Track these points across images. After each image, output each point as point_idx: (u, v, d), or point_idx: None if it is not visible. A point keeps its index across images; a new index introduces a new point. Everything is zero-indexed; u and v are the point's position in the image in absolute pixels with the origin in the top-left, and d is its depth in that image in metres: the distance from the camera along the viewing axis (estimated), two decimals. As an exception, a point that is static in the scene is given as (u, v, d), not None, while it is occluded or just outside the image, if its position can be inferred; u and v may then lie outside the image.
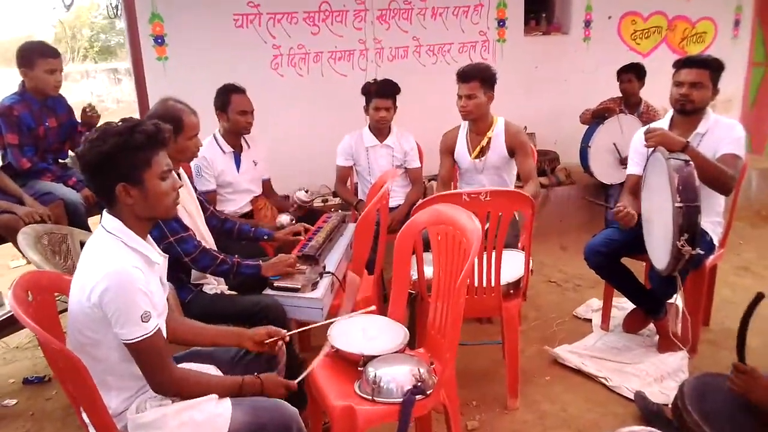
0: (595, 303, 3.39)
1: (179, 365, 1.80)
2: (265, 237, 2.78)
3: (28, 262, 2.77)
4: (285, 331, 1.93)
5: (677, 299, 2.66)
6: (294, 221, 3.05)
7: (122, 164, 1.53)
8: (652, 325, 2.98)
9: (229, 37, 4.29)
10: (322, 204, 4.24)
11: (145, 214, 1.62)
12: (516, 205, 2.40)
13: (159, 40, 4.18)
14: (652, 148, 2.58)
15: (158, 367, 1.56)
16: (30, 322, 1.43)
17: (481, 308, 2.52)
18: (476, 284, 2.43)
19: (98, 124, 3.11)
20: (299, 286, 2.37)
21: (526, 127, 4.79)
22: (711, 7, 5.55)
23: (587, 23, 5.15)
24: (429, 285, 2.50)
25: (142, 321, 1.50)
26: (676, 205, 2.27)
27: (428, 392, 1.80)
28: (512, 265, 2.55)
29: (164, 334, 1.68)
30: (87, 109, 3.14)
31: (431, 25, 4.73)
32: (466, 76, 3.05)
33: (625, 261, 2.88)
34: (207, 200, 2.93)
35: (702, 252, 2.35)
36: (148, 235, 1.70)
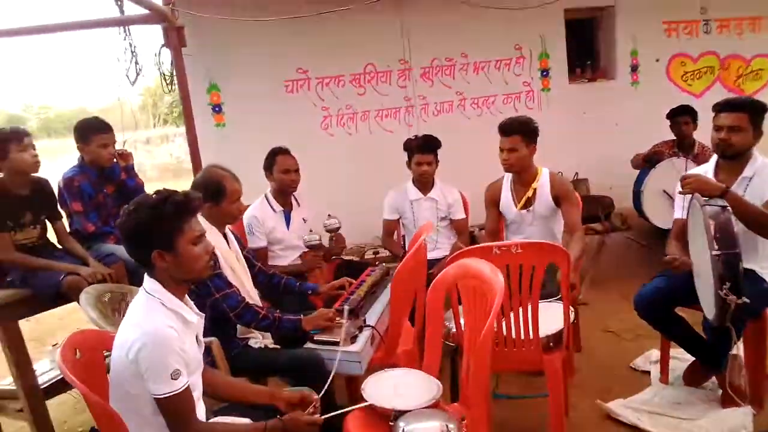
0: (654, 354, 3.23)
1: (216, 418, 1.87)
2: (310, 291, 2.87)
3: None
4: (317, 395, 1.97)
5: (739, 350, 2.53)
6: (320, 240, 3.19)
7: (156, 233, 1.66)
8: (715, 378, 2.82)
9: (281, 101, 4.57)
10: (374, 255, 4.32)
11: (180, 276, 1.73)
12: (549, 257, 2.37)
13: (217, 108, 4.50)
14: (690, 194, 2.52)
15: (183, 422, 1.64)
16: (73, 378, 1.55)
17: (521, 361, 2.47)
18: (514, 337, 2.40)
19: (133, 162, 3.35)
20: (338, 340, 2.42)
21: (577, 173, 4.79)
22: (767, 44, 5.40)
23: (634, 68, 5.13)
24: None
25: (172, 378, 1.59)
26: (713, 253, 2.20)
27: (456, 451, 1.78)
28: (553, 316, 2.51)
29: (199, 388, 1.76)
30: (117, 153, 3.30)
31: (474, 79, 4.86)
32: (507, 130, 3.08)
33: (684, 310, 2.76)
34: (258, 256, 3.11)
35: (748, 300, 2.23)
36: (186, 296, 1.81)
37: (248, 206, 3.38)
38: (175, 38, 3.44)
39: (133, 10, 3.60)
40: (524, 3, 4.58)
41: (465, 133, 4.73)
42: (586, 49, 5.26)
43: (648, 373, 3.13)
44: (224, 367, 2.42)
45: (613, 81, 5.15)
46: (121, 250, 3.02)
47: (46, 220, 3.05)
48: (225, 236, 2.64)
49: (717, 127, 2.66)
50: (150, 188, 3.14)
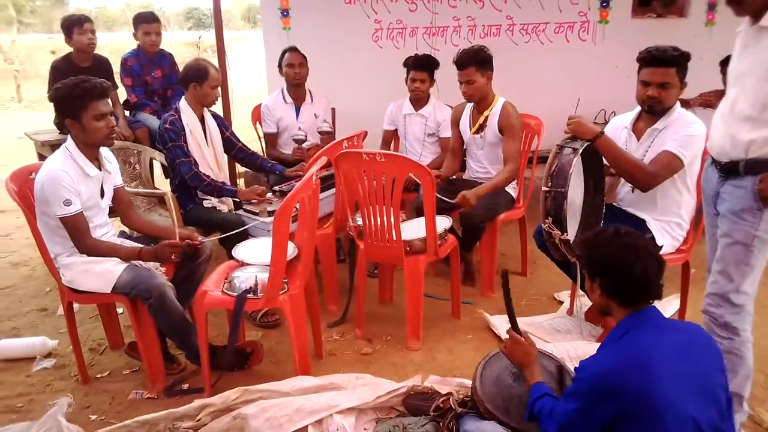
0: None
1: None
2: (277, 172, 3.50)
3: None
4: (201, 238, 2.63)
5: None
6: (305, 137, 3.75)
7: (69, 107, 2.32)
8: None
9: (340, 11, 4.99)
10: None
11: (86, 141, 2.39)
12: (408, 170, 2.69)
13: (285, 13, 5.07)
14: None
15: (76, 236, 2.36)
16: (17, 198, 2.37)
17: (389, 256, 2.90)
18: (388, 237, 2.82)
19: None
20: (257, 212, 3.06)
21: (614, 112, 4.66)
22: None
23: (711, 6, 4.67)
24: (359, 230, 2.97)
25: (64, 205, 2.28)
26: (544, 188, 2.38)
27: (260, 295, 2.36)
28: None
29: (99, 221, 2.49)
30: None
31: (526, 5, 4.82)
32: (461, 63, 3.27)
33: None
34: (266, 140, 3.98)
35: (570, 238, 2.40)
36: (100, 155, 2.48)
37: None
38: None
39: None
40: None
41: (509, 58, 4.76)
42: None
43: (562, 303, 3.34)
44: (176, 216, 3.18)
45: (684, 19, 4.74)
46: (150, 119, 3.89)
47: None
48: (202, 117, 3.30)
49: (644, 83, 2.61)
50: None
